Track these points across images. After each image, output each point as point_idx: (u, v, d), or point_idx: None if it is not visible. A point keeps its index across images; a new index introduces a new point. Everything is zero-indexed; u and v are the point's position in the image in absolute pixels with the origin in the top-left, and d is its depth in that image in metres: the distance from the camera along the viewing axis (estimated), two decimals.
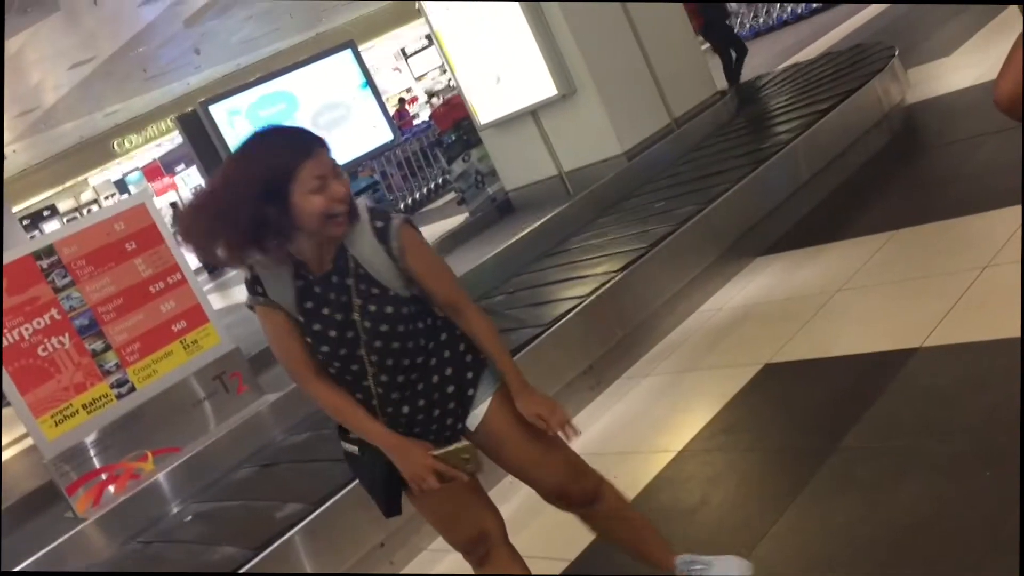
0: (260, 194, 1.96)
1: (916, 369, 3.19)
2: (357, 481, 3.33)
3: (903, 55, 6.81)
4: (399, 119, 19.59)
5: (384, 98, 22.89)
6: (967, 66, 6.57)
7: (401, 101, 21.83)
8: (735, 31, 10.03)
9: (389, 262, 2.10)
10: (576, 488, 2.31)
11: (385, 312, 2.10)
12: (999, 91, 4.30)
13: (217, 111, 4.66)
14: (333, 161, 2.04)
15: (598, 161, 6.45)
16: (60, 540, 3.98)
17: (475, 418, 2.23)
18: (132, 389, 4.62)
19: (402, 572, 3.46)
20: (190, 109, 5.10)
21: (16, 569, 3.23)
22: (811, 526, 2.67)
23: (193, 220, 2.05)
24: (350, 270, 2.10)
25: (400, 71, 26.24)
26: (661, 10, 6.88)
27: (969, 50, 7.16)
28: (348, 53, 5.31)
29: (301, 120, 5.06)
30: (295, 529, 3.28)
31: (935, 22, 8.61)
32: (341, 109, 5.21)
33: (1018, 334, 3.03)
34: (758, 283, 4.65)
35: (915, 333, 3.37)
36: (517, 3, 6.23)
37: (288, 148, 2.00)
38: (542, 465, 2.28)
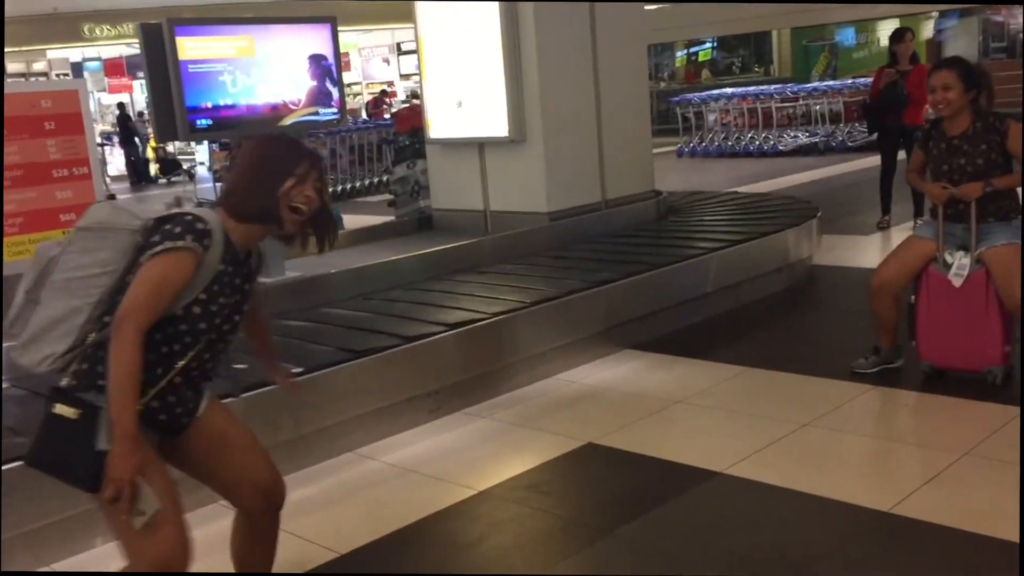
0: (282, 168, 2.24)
1: (710, 490, 3.45)
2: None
3: (828, 220, 7.25)
4: (374, 107, 19.71)
5: (365, 83, 22.91)
6: (877, 250, 7.03)
7: (383, 92, 21.98)
8: None
9: None
10: (281, 486, 2.45)
11: (246, 305, 2.33)
12: (875, 276, 4.67)
13: (182, 36, 4.79)
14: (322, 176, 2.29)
15: (522, 211, 6.68)
16: None
17: (202, 407, 2.35)
18: None
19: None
20: (158, 21, 5.18)
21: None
22: None
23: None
24: (252, 264, 2.32)
25: (389, 63, 26.40)
26: (630, 99, 7.20)
27: (886, 237, 7.65)
28: (327, 29, 5.46)
29: (257, 63, 5.21)
30: None
31: (874, 203, 9.14)
32: (301, 74, 5.35)
33: (801, 489, 3.34)
34: (616, 371, 4.90)
35: (722, 459, 3.63)
36: (500, 41, 6.46)
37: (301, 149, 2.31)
38: (257, 452, 2.42)
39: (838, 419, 4.02)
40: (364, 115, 19.64)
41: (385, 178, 13.26)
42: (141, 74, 21.48)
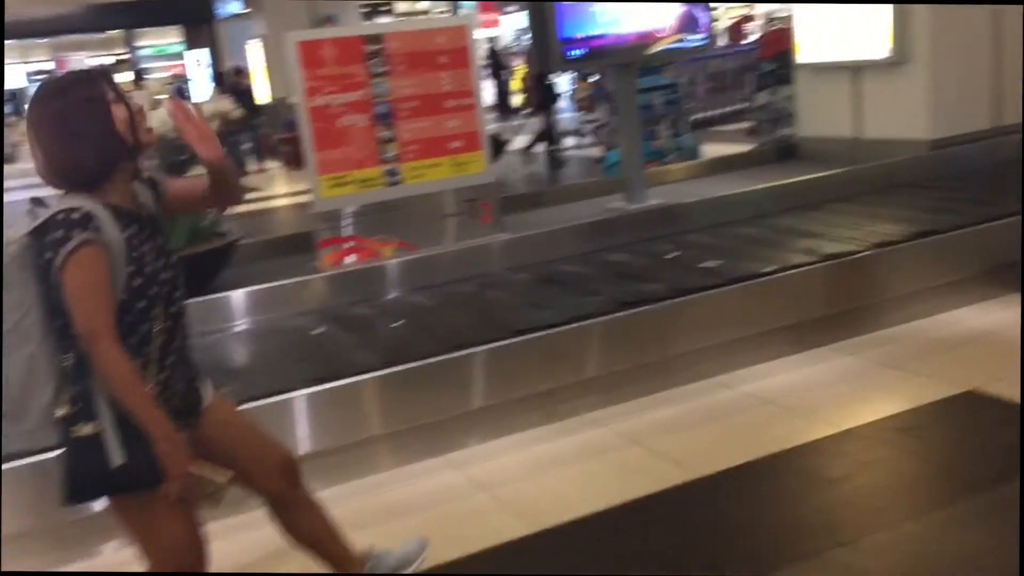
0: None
1: None
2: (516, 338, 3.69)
3: None
4: (735, 33, 19.19)
5: (724, 8, 22.39)
6: None
7: (744, 17, 21.29)
8: None
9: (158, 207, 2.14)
10: (292, 459, 2.33)
11: (176, 264, 2.11)
12: None
13: None
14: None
15: (900, 139, 6.22)
16: (290, 280, 4.69)
17: (205, 398, 2.23)
18: (399, 182, 5.16)
19: None
20: None
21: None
22: (928, 543, 2.72)
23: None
24: (154, 222, 2.08)
25: None
26: None
27: None
28: None
29: None
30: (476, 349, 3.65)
31: None
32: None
33: None
34: (1004, 315, 4.45)
35: None
36: None
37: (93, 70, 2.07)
38: (259, 432, 2.33)
39: None
40: (723, 41, 19.17)
41: (744, 106, 12.91)
42: (509, 9, 22.60)
